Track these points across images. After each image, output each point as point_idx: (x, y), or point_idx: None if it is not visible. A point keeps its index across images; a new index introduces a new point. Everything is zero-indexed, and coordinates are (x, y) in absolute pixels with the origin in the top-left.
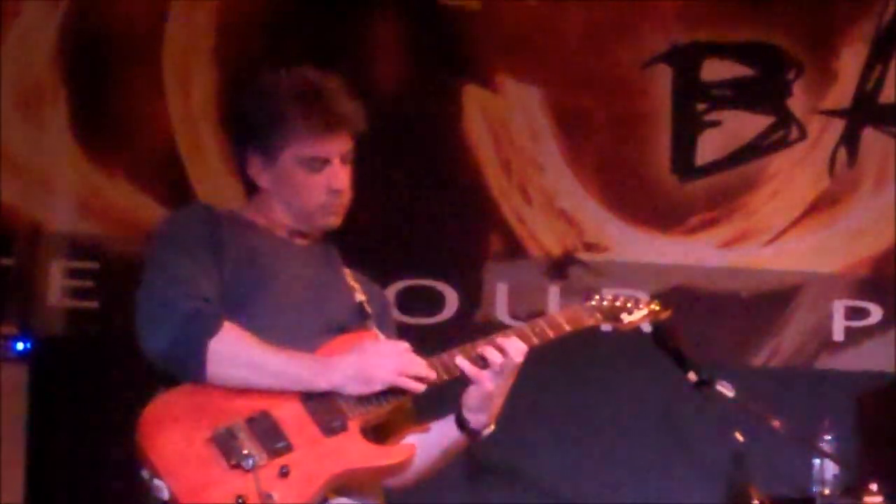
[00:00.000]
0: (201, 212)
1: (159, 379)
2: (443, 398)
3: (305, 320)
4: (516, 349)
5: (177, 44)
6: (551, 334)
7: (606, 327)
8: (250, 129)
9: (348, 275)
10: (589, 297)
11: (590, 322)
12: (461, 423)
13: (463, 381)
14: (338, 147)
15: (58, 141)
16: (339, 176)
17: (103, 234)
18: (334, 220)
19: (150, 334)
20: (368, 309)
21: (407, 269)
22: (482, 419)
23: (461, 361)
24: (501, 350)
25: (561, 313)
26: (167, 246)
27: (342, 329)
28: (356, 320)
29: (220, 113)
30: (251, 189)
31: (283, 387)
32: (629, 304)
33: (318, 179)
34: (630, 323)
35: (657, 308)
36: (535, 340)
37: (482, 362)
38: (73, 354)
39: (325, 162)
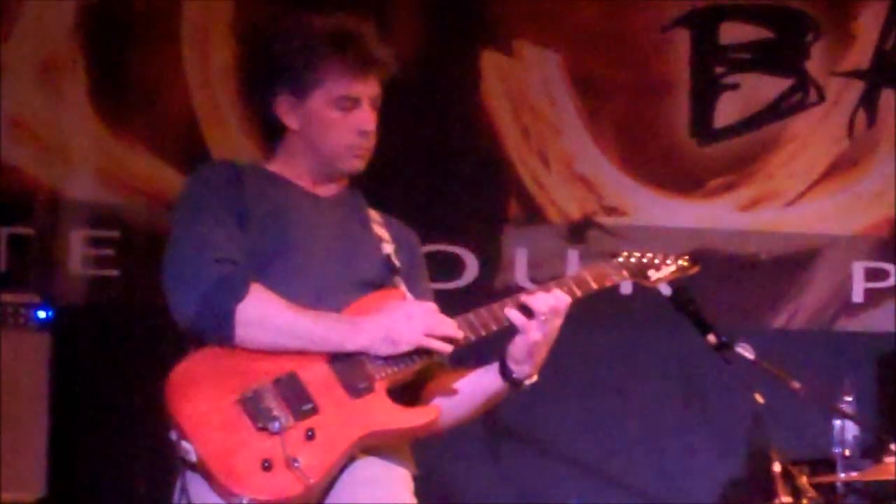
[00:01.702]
0: (224, 168)
1: (186, 342)
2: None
3: (332, 278)
4: (560, 298)
5: (195, 13)
6: (578, 292)
7: (627, 286)
8: (282, 68)
9: (375, 221)
10: (616, 255)
11: (617, 279)
12: (504, 373)
13: (492, 339)
14: (369, 89)
15: (77, 110)
16: (368, 118)
17: (123, 202)
18: (359, 164)
19: (177, 300)
20: (396, 261)
21: (427, 234)
22: (526, 369)
23: (509, 311)
24: (550, 297)
25: (587, 270)
26: (191, 206)
27: (369, 286)
28: (384, 276)
29: (239, 82)
30: (273, 141)
31: (310, 349)
32: (657, 261)
33: (348, 119)
34: (658, 280)
35: (686, 264)
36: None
37: (528, 312)
38: (95, 322)
39: (356, 102)
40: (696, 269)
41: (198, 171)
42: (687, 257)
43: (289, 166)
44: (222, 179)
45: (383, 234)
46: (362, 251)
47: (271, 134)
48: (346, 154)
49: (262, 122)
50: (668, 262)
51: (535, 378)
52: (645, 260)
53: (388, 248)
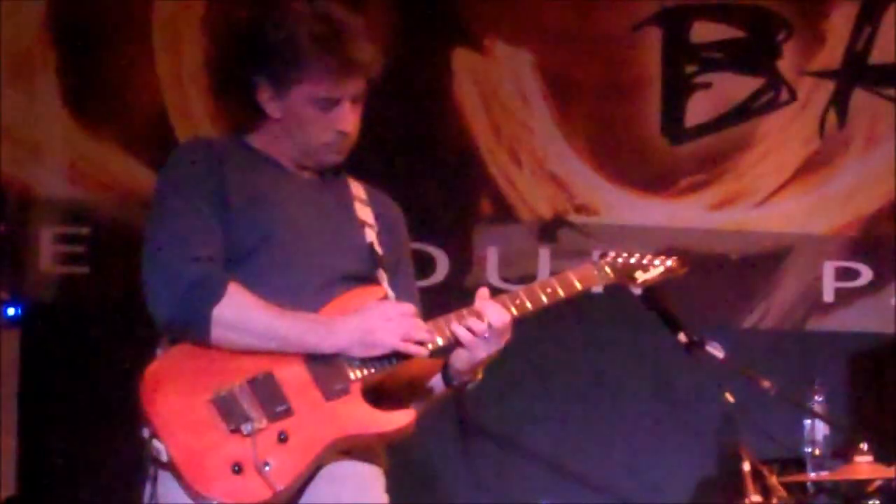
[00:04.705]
0: (201, 149)
1: (157, 340)
2: None
3: (313, 273)
4: (499, 317)
5: (167, 10)
6: (562, 293)
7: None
8: (264, 58)
9: (359, 199)
10: (603, 254)
11: (603, 281)
12: (446, 378)
13: None
14: (351, 89)
15: (48, 107)
16: (348, 118)
17: (94, 199)
18: (337, 158)
19: (154, 300)
20: (379, 249)
21: None
22: (468, 377)
23: (456, 328)
24: (483, 318)
25: (573, 272)
26: (168, 197)
27: (351, 279)
28: (366, 268)
29: (210, 79)
30: (256, 116)
31: (287, 350)
32: (644, 262)
33: (327, 118)
34: (646, 281)
35: (674, 265)
36: (545, 300)
37: (471, 331)
38: (65, 319)
39: (337, 102)
40: (684, 270)
41: (173, 156)
42: (675, 258)
43: (271, 144)
44: (199, 164)
45: (367, 217)
46: (345, 241)
47: (254, 110)
48: (323, 150)
49: (244, 100)
50: (656, 262)
51: (478, 379)
52: (632, 261)
53: (371, 234)
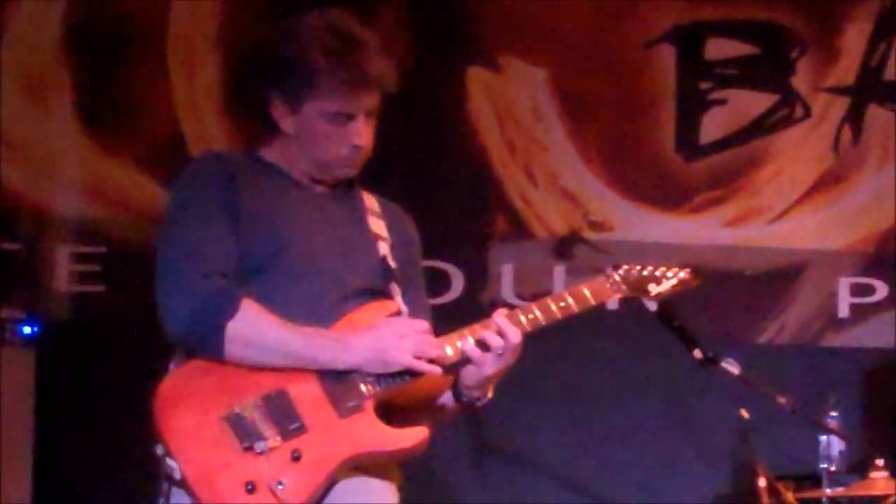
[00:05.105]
0: (214, 163)
1: (169, 356)
2: None
3: (326, 288)
4: (514, 332)
5: (181, 28)
6: (575, 308)
7: (613, 301)
8: (277, 73)
9: (372, 212)
10: (616, 267)
11: (616, 295)
12: (457, 396)
13: None
14: (364, 104)
15: (63, 126)
16: (362, 132)
17: (109, 218)
18: (350, 172)
19: (168, 315)
20: (392, 263)
21: None
22: (478, 394)
23: (466, 345)
24: (501, 334)
25: (586, 285)
26: (182, 211)
27: (365, 293)
28: (379, 282)
29: (225, 97)
30: (269, 129)
31: (300, 366)
32: (657, 274)
33: (341, 133)
34: (659, 294)
35: (687, 277)
36: (558, 314)
37: (484, 346)
38: (81, 338)
39: (350, 117)
40: (697, 282)
41: (186, 169)
42: (688, 270)
43: (284, 158)
44: (213, 177)
45: (380, 230)
46: (358, 255)
47: (267, 124)
48: (337, 164)
49: (258, 114)
50: (669, 274)
51: (489, 397)
52: (645, 273)
53: (385, 247)
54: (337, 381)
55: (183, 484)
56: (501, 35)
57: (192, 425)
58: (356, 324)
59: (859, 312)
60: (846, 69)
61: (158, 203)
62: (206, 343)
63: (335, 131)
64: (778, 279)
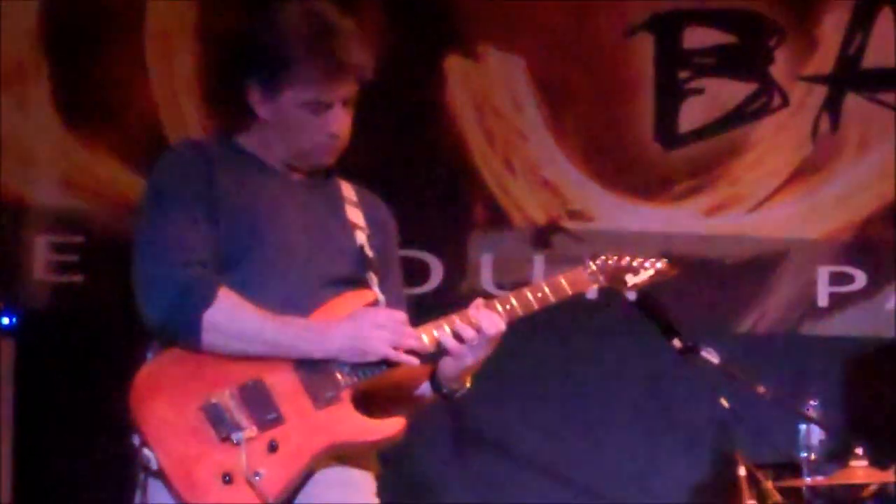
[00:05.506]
0: (191, 151)
1: (147, 345)
2: None
3: (303, 277)
4: (491, 323)
5: (160, 19)
6: (552, 298)
7: (593, 291)
8: (254, 60)
9: (349, 201)
10: (594, 257)
11: (593, 285)
12: (435, 385)
13: None
14: (342, 92)
15: (41, 116)
16: (340, 121)
17: (88, 208)
18: (328, 160)
19: (145, 304)
20: (370, 251)
21: None
22: (456, 385)
23: (443, 336)
24: (478, 326)
25: (563, 276)
26: (158, 200)
27: (342, 283)
28: (357, 271)
29: (203, 87)
30: (247, 115)
31: (278, 355)
32: (634, 264)
33: (318, 121)
34: (636, 284)
35: (664, 267)
36: (535, 305)
37: (460, 337)
38: (59, 328)
39: (328, 106)
40: (674, 272)
41: (163, 158)
42: (665, 260)
43: (261, 145)
44: (190, 166)
45: (357, 219)
46: (335, 244)
47: (244, 110)
48: (314, 153)
49: (235, 101)
50: (646, 265)
51: (466, 387)
52: (623, 264)
53: (362, 236)
54: (314, 370)
55: (159, 474)
56: (480, 24)
57: (168, 416)
58: (334, 313)
59: (838, 301)
60: (824, 57)
61: (136, 193)
62: (183, 332)
63: (312, 120)
64: (757, 268)
